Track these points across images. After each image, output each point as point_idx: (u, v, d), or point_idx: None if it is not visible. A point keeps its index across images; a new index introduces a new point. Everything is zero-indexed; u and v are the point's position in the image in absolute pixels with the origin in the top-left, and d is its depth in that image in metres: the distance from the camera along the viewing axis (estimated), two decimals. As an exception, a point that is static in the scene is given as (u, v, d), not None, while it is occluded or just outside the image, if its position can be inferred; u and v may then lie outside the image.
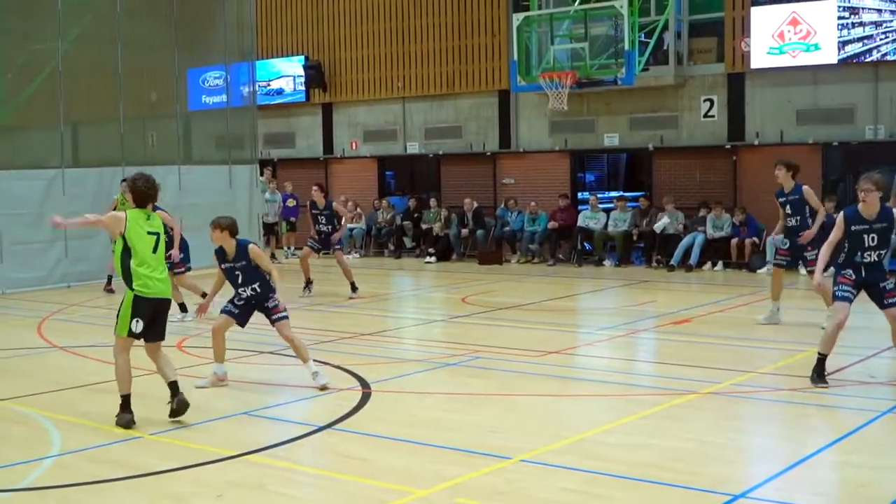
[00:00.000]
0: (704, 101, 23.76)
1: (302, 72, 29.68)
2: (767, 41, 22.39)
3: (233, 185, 25.14)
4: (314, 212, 19.24)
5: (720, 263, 21.91)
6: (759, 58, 22.56)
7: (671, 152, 24.14)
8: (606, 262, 23.52)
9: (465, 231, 25.60)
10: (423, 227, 26.44)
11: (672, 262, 22.33)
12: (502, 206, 25.72)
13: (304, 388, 10.78)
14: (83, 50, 22.55)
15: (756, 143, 23.04)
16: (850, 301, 10.42)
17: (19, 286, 20.43)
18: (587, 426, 9.21)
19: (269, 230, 26.71)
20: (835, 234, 10.46)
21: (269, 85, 30.20)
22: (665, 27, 23.16)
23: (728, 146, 23.14)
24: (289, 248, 26.92)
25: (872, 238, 10.36)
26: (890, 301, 10.38)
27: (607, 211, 24.19)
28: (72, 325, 16.31)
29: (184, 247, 16.60)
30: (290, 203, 27.43)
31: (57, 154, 21.96)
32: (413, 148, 28.31)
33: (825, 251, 10.57)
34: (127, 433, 9.15)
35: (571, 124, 25.31)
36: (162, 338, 9.71)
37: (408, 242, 27.16)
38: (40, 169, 21.55)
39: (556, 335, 14.35)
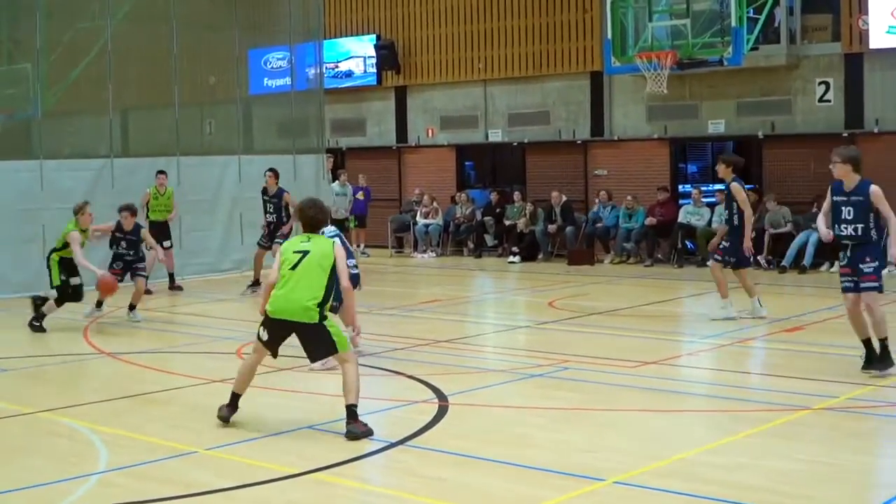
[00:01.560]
0: (819, 83, 23.50)
1: (373, 52, 29.83)
2: (887, 19, 22.09)
3: (298, 176, 25.24)
4: (263, 198, 20.11)
5: (836, 264, 21.56)
6: (879, 37, 22.26)
7: (783, 140, 23.87)
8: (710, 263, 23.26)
9: (552, 228, 25.51)
10: (507, 223, 26.38)
11: (784, 263, 22.08)
12: (596, 201, 25.57)
13: (376, 401, 10.82)
14: (134, 29, 22.89)
15: (876, 130, 22.73)
16: (848, 291, 11.60)
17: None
18: (688, 445, 9.14)
19: (340, 226, 26.79)
20: (825, 204, 11.92)
21: (337, 67, 30.42)
22: (776, 2, 22.92)
23: (845, 134, 22.79)
24: (358, 245, 26.90)
25: (849, 211, 11.44)
26: (862, 285, 11.46)
27: (711, 206, 23.93)
28: (121, 328, 16.51)
29: None
30: (360, 196, 27.57)
31: (105, 143, 22.33)
32: (495, 136, 28.32)
33: (820, 219, 12.13)
34: (181, 448, 9.26)
35: (672, 109, 25.15)
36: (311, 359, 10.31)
37: (489, 240, 27.13)
38: (87, 159, 21.89)
39: (655, 344, 14.26)
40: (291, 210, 18.95)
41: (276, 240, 19.00)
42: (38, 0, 21.35)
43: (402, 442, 9.33)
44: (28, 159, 20.96)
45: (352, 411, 9.53)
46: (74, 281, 15.95)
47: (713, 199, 24.15)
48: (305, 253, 9.68)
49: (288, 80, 26.55)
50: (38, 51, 21.50)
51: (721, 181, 16.66)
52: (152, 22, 23.12)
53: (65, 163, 21.49)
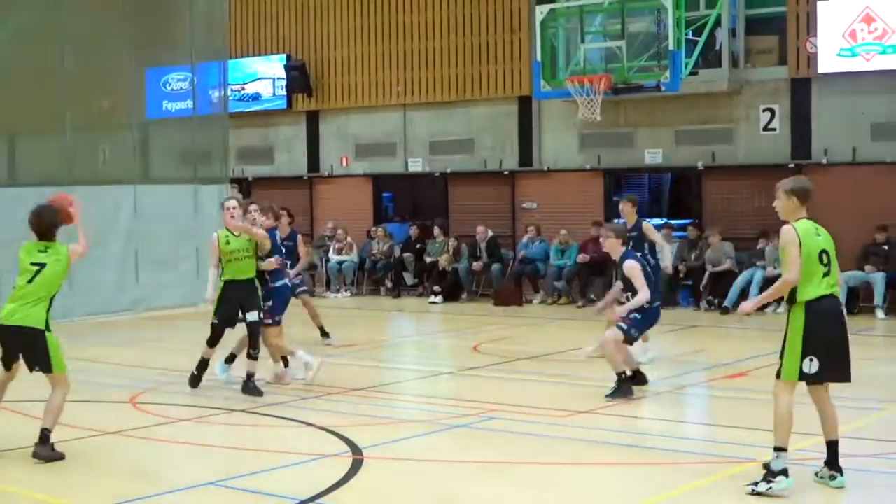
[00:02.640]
0: (764, 110, 23.82)
1: (283, 73, 29.78)
2: (837, 41, 22.46)
3: (199, 208, 25.09)
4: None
5: (783, 304, 21.77)
6: (828, 60, 22.62)
7: (725, 171, 24.15)
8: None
9: (477, 265, 25.58)
10: (427, 260, 26.43)
11: (726, 304, 22.30)
12: (525, 236, 25.63)
13: (283, 454, 10.74)
14: (21, 48, 22.60)
15: (824, 161, 23.08)
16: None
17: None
18: (623, 501, 9.16)
19: None
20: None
21: (243, 89, 30.32)
22: (717, 23, 23.13)
23: (791, 164, 23.07)
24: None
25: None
26: None
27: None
28: None
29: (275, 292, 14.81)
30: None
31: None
32: (415, 165, 28.40)
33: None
34: (68, 507, 9.12)
35: (605, 138, 25.37)
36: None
37: (409, 278, 27.13)
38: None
39: (587, 391, 14.26)
40: (302, 253, 18.27)
41: (299, 291, 17.99)
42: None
43: (311, 500, 9.25)
44: None
45: (45, 435, 10.30)
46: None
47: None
48: (42, 266, 10.39)
49: (189, 104, 26.36)
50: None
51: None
52: (41, 40, 22.86)
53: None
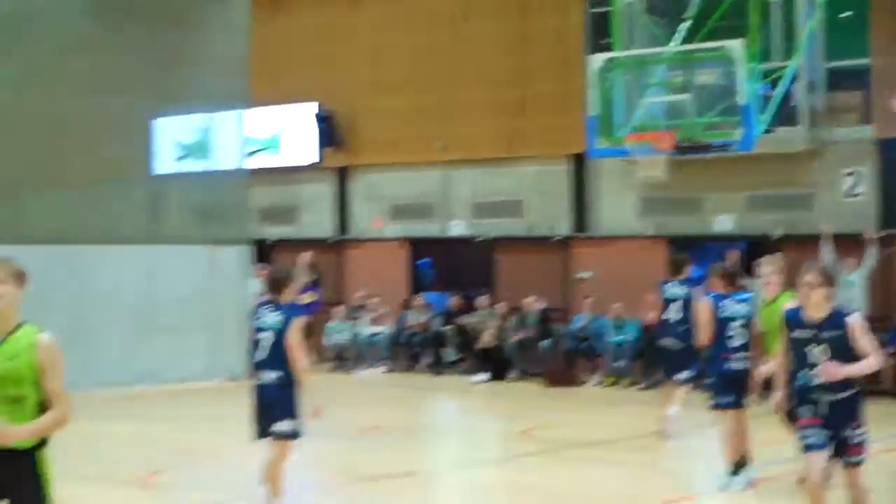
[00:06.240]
0: (847, 174, 23.74)
1: (310, 125, 29.83)
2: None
3: (216, 271, 25.24)
4: None
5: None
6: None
7: (804, 241, 24.02)
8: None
9: (526, 340, 25.52)
10: (471, 334, 26.29)
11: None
12: (582, 310, 25.57)
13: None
14: (19, 95, 22.85)
15: (916, 228, 23.03)
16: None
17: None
18: None
19: None
20: None
21: (266, 141, 30.36)
22: (794, 77, 23.14)
23: (882, 234, 22.95)
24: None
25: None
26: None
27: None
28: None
29: None
30: (307, 298, 27.18)
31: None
32: (457, 229, 28.40)
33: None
34: None
35: (669, 202, 25.37)
36: None
37: (449, 354, 26.96)
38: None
39: (656, 483, 14.22)
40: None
41: None
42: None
43: None
44: None
45: None
46: None
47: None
48: None
49: (206, 158, 26.56)
50: None
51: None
52: (40, 87, 23.09)
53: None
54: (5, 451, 6.65)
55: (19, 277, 6.93)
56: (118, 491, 13.50)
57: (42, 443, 6.86)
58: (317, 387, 11.48)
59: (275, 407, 11.23)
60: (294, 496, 11.44)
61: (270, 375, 11.26)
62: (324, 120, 29.62)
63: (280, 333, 11.22)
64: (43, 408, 6.80)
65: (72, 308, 22.89)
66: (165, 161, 27.09)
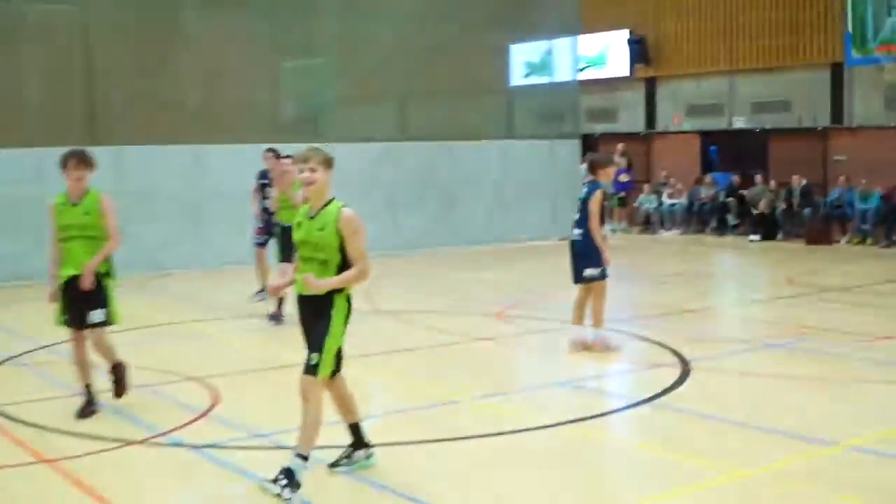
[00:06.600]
0: None
1: (626, 46, 29.46)
2: None
3: (554, 159, 25.37)
4: (261, 182, 14.74)
5: None
6: None
7: None
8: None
9: (791, 209, 24.61)
10: (749, 204, 25.59)
11: None
12: (837, 185, 24.43)
13: (624, 363, 10.78)
14: (411, 28, 23.20)
15: None
16: None
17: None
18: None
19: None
20: None
21: (592, 59, 30.10)
22: None
23: None
24: (619, 223, 26.88)
25: None
26: None
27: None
28: (395, 290, 16.77)
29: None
30: (623, 178, 27.02)
31: (386, 127, 23.07)
32: (739, 123, 27.58)
33: None
34: (448, 396, 9.40)
35: (910, 98, 23.87)
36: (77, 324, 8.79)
37: (731, 219, 26.43)
38: (370, 143, 22.55)
39: (890, 320, 13.59)
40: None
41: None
42: (329, 3, 22.10)
43: (647, 401, 9.22)
44: (317, 142, 21.62)
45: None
46: None
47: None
48: None
49: (546, 73, 26.56)
50: (325, 47, 22.40)
51: None
52: (427, 21, 23.44)
53: (351, 146, 22.13)
54: (314, 297, 6.73)
55: (327, 163, 6.81)
56: (480, 320, 13.73)
57: (339, 291, 6.77)
58: (607, 243, 11.34)
59: (582, 257, 11.22)
60: (607, 330, 11.38)
61: (578, 232, 11.24)
62: (636, 42, 29.21)
63: (584, 202, 11.16)
64: (342, 269, 6.72)
65: (448, 187, 23.42)
66: (516, 77, 27.14)
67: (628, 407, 9.22)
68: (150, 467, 7.57)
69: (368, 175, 21.91)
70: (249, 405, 9.20)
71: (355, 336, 12.15)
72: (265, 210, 14.46)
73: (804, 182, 24.72)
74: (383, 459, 7.43)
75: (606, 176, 11.44)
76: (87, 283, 8.43)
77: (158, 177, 19.52)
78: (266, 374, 10.58)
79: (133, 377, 9.17)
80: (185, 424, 8.47)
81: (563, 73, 26.74)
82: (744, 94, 27.44)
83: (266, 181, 14.44)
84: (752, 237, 24.57)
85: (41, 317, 10.09)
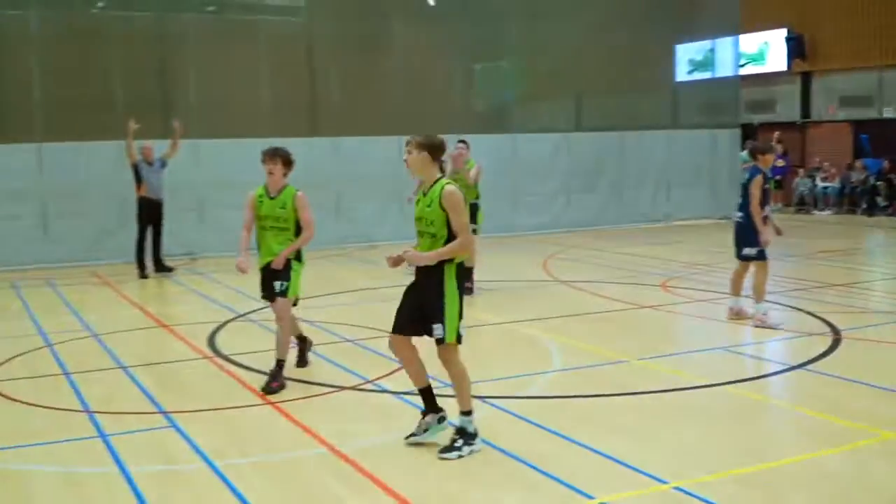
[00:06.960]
0: None
1: (783, 43, 28.35)
2: None
3: (716, 147, 24.68)
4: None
5: None
6: None
7: None
8: None
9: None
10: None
11: None
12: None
13: (778, 332, 10.39)
14: (585, 30, 22.74)
15: None
16: None
17: (530, 230, 21.52)
18: None
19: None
20: None
21: (752, 55, 29.08)
22: None
23: None
24: (775, 204, 26.02)
25: None
26: None
27: None
28: (571, 263, 16.71)
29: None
30: (779, 163, 26.09)
31: (563, 120, 22.95)
32: (888, 113, 26.19)
33: None
34: (616, 356, 9.25)
35: None
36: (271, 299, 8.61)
37: (881, 201, 25.18)
38: (549, 133, 22.51)
39: None
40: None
41: None
42: (509, 12, 21.97)
43: (801, 366, 8.86)
44: (504, 133, 21.77)
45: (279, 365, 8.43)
46: None
47: None
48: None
49: (709, 70, 25.79)
50: (510, 51, 22.32)
51: None
52: (600, 26, 22.92)
53: (533, 136, 22.16)
54: (426, 268, 6.58)
55: (420, 147, 6.69)
56: (646, 290, 13.47)
57: (449, 262, 6.54)
58: (770, 222, 10.88)
59: (742, 236, 10.84)
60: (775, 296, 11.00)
61: (739, 214, 10.85)
62: (792, 39, 28.06)
63: (745, 186, 10.75)
64: (448, 241, 6.52)
65: (617, 172, 23.12)
66: (681, 73, 26.46)
67: (782, 371, 8.86)
68: (356, 410, 7.71)
69: (548, 162, 22.05)
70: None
71: (536, 301, 12.12)
72: None
73: (950, 167, 23.31)
74: (558, 409, 7.38)
75: (766, 162, 10.97)
76: (279, 264, 8.38)
77: (370, 163, 19.93)
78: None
79: (346, 333, 9.32)
80: (389, 374, 8.60)
81: (724, 69, 25.91)
82: (893, 86, 26.01)
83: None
84: (900, 217, 23.37)
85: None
